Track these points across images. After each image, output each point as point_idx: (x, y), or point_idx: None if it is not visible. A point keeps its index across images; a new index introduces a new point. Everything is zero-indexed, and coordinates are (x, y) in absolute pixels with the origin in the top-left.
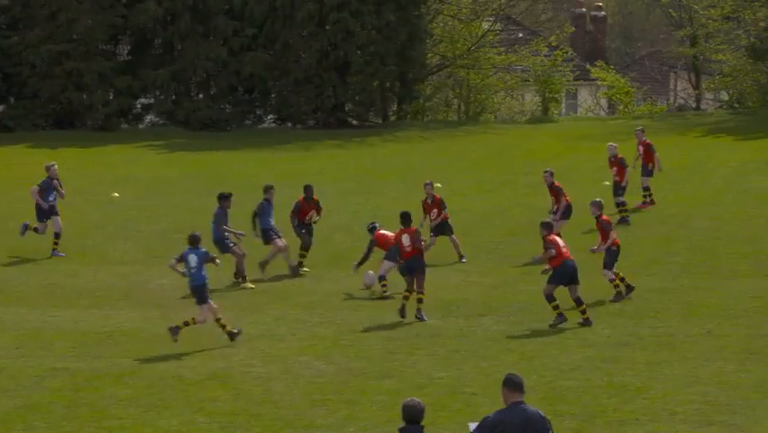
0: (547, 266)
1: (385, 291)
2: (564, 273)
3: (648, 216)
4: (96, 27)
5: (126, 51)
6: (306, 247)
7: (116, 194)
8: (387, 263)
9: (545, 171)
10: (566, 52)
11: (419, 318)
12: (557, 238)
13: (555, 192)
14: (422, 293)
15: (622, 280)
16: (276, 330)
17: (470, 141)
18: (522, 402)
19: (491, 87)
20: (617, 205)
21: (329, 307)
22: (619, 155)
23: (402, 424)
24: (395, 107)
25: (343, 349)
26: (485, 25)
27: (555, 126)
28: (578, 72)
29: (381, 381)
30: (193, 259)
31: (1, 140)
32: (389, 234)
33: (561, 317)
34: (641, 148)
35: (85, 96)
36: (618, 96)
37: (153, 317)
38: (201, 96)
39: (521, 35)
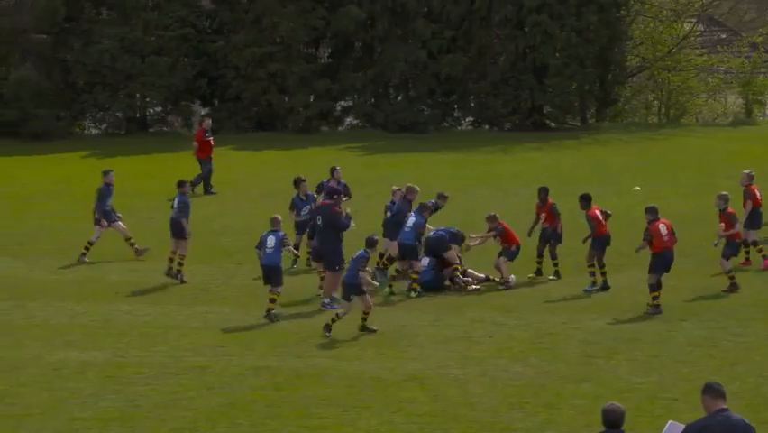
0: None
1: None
2: (663, 261)
3: None
4: (298, 30)
5: (327, 54)
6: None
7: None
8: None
9: None
10: (767, 52)
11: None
12: (660, 226)
13: None
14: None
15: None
16: (473, 332)
17: (671, 144)
18: (726, 409)
19: (692, 89)
20: None
21: (526, 309)
22: None
23: (602, 428)
24: (593, 110)
25: (540, 352)
26: (686, 26)
27: (759, 129)
28: None
29: (579, 384)
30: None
31: None
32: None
33: (657, 309)
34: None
35: (286, 99)
36: None
37: (353, 318)
38: (399, 98)
39: (723, 36)
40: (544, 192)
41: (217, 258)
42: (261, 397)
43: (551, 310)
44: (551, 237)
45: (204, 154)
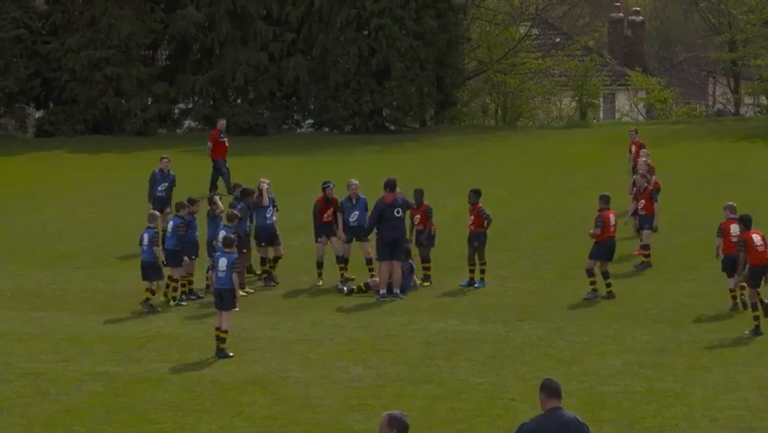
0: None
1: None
2: (605, 249)
3: (686, 221)
4: (136, 33)
5: (165, 57)
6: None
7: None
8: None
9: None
10: (602, 56)
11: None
12: (610, 215)
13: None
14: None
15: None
16: (313, 335)
17: (507, 146)
18: (559, 408)
19: (528, 92)
20: None
21: (366, 311)
22: None
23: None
24: (432, 112)
25: (381, 354)
26: (522, 30)
27: (593, 131)
28: (615, 77)
29: (419, 386)
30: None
31: (40, 145)
32: None
33: (594, 294)
34: (633, 148)
35: (123, 102)
36: (656, 102)
37: (192, 321)
38: (239, 101)
39: (558, 40)
40: (419, 195)
41: (54, 263)
42: (99, 403)
43: (391, 312)
44: (424, 240)
45: (219, 155)
